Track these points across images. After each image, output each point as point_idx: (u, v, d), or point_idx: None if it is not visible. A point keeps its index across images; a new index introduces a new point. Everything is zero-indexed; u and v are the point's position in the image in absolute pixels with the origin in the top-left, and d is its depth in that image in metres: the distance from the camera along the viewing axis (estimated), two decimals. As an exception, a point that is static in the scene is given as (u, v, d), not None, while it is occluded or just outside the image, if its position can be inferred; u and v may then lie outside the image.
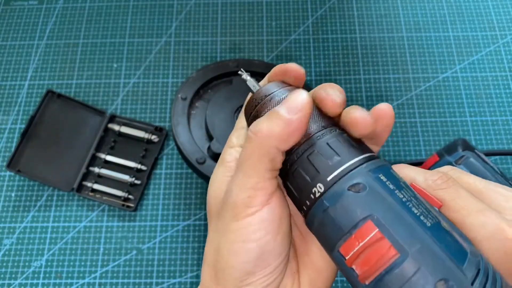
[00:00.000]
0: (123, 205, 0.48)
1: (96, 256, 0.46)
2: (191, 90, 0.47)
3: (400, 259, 0.18)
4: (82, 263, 0.46)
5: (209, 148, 0.44)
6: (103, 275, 0.45)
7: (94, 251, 0.47)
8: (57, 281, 0.45)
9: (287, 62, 0.25)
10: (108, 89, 0.54)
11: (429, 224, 0.19)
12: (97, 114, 0.51)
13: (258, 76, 0.50)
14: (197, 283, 0.45)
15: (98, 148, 0.50)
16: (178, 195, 0.49)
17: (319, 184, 0.20)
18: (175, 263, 0.46)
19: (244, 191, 0.21)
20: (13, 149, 0.48)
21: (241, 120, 0.27)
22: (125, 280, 0.45)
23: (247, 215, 0.21)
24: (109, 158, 0.49)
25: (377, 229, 0.18)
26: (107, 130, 0.51)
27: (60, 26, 0.57)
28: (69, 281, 0.45)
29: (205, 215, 0.39)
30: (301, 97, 0.21)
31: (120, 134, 0.51)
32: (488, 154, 0.44)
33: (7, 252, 0.47)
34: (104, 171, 0.49)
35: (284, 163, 0.22)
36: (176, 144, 0.43)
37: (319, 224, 0.20)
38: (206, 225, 0.47)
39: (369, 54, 0.55)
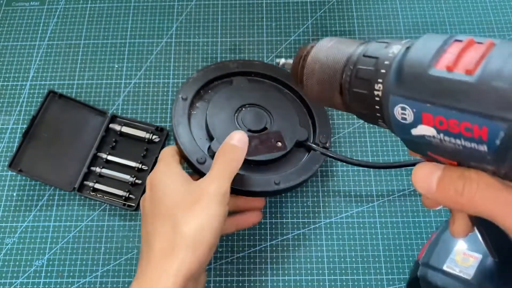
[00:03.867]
0: (124, 204, 0.48)
1: (97, 255, 0.47)
2: (192, 91, 0.47)
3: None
4: (84, 262, 0.46)
5: (209, 148, 0.44)
6: (105, 274, 0.46)
7: (95, 250, 0.47)
8: (59, 280, 0.46)
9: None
10: (109, 90, 0.54)
11: None
12: (99, 114, 0.52)
13: (259, 76, 0.50)
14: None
15: (100, 148, 0.50)
16: (179, 195, 0.49)
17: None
18: (175, 262, 0.46)
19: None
20: (14, 149, 0.48)
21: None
22: (126, 279, 0.45)
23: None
24: (110, 158, 0.50)
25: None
26: (108, 130, 0.51)
27: (62, 26, 0.58)
28: (70, 280, 0.46)
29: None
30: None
31: (121, 134, 0.51)
32: None
33: (8, 251, 0.47)
34: (105, 171, 0.49)
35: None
36: (177, 144, 0.44)
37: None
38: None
39: (368, 54, 0.55)
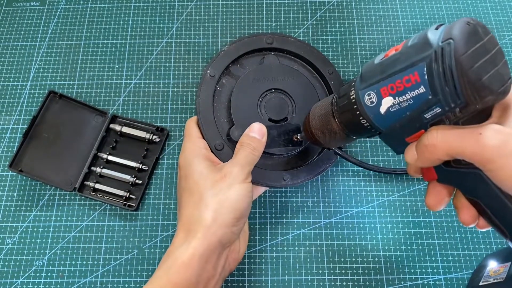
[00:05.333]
0: (124, 204, 0.48)
1: (97, 255, 0.47)
2: (221, 67, 0.47)
3: None
4: (84, 262, 0.46)
5: (228, 134, 0.44)
6: (105, 274, 0.46)
7: (95, 250, 0.47)
8: (59, 280, 0.46)
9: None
10: (109, 90, 0.54)
11: None
12: (99, 114, 0.52)
13: (291, 55, 0.50)
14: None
15: (100, 148, 0.50)
16: (179, 195, 0.49)
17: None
18: (176, 262, 0.46)
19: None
20: (15, 149, 0.48)
21: None
22: (127, 279, 0.46)
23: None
24: (111, 158, 0.50)
25: None
26: (108, 130, 0.51)
27: (62, 27, 0.58)
28: (70, 280, 0.46)
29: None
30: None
31: (122, 134, 0.51)
32: None
33: (9, 251, 0.47)
34: (105, 171, 0.49)
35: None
36: (198, 126, 0.44)
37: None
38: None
39: (368, 55, 0.55)
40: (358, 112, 0.32)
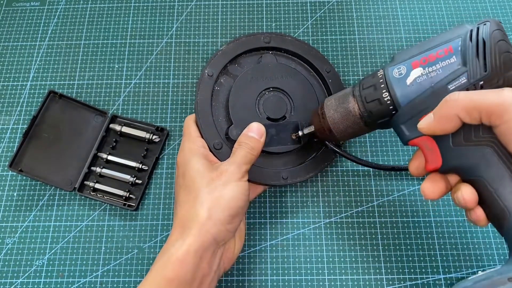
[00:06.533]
0: (124, 204, 0.48)
1: (97, 255, 0.47)
2: (219, 66, 0.47)
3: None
4: (84, 262, 0.46)
5: (226, 133, 0.44)
6: (105, 273, 0.46)
7: (95, 250, 0.47)
8: (59, 280, 0.46)
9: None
10: (109, 90, 0.54)
11: None
12: (99, 114, 0.52)
13: (289, 54, 0.50)
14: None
15: (100, 148, 0.50)
16: (179, 195, 0.49)
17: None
18: (176, 262, 0.46)
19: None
20: (15, 149, 0.48)
21: None
22: (127, 279, 0.46)
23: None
24: (111, 158, 0.50)
25: None
26: (108, 130, 0.51)
27: (62, 27, 0.58)
28: (70, 279, 0.46)
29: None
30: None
31: (122, 134, 0.51)
32: None
33: (9, 251, 0.47)
34: (105, 171, 0.49)
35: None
36: (197, 124, 0.44)
37: None
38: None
39: (368, 55, 0.55)
40: (382, 86, 0.34)
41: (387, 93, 0.34)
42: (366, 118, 0.37)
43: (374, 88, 0.35)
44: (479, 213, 0.31)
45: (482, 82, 0.29)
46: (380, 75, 0.35)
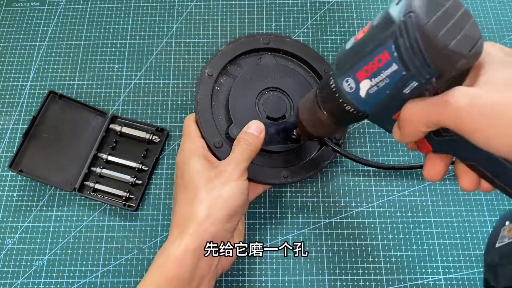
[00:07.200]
0: (124, 204, 0.48)
1: (97, 255, 0.47)
2: (218, 66, 0.47)
3: None
4: (84, 262, 0.46)
5: (227, 131, 0.44)
6: (105, 274, 0.46)
7: (95, 251, 0.47)
8: (59, 280, 0.46)
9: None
10: (109, 90, 0.54)
11: None
12: (99, 114, 0.52)
13: (288, 55, 0.50)
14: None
15: (100, 149, 0.50)
16: (179, 195, 0.49)
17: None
18: (176, 262, 0.46)
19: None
20: (15, 150, 0.48)
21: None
22: (126, 279, 0.46)
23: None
24: (111, 158, 0.50)
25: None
26: (108, 130, 0.51)
27: (62, 27, 0.58)
28: (70, 280, 0.46)
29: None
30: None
31: (122, 134, 0.51)
32: None
33: (9, 252, 0.47)
34: (105, 171, 0.49)
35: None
36: (197, 123, 0.44)
37: None
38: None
39: (368, 55, 0.55)
40: (341, 100, 0.32)
41: (349, 106, 0.32)
42: (339, 124, 0.36)
43: (335, 103, 0.33)
44: (485, 186, 0.30)
45: (434, 80, 0.26)
46: (333, 87, 0.32)
